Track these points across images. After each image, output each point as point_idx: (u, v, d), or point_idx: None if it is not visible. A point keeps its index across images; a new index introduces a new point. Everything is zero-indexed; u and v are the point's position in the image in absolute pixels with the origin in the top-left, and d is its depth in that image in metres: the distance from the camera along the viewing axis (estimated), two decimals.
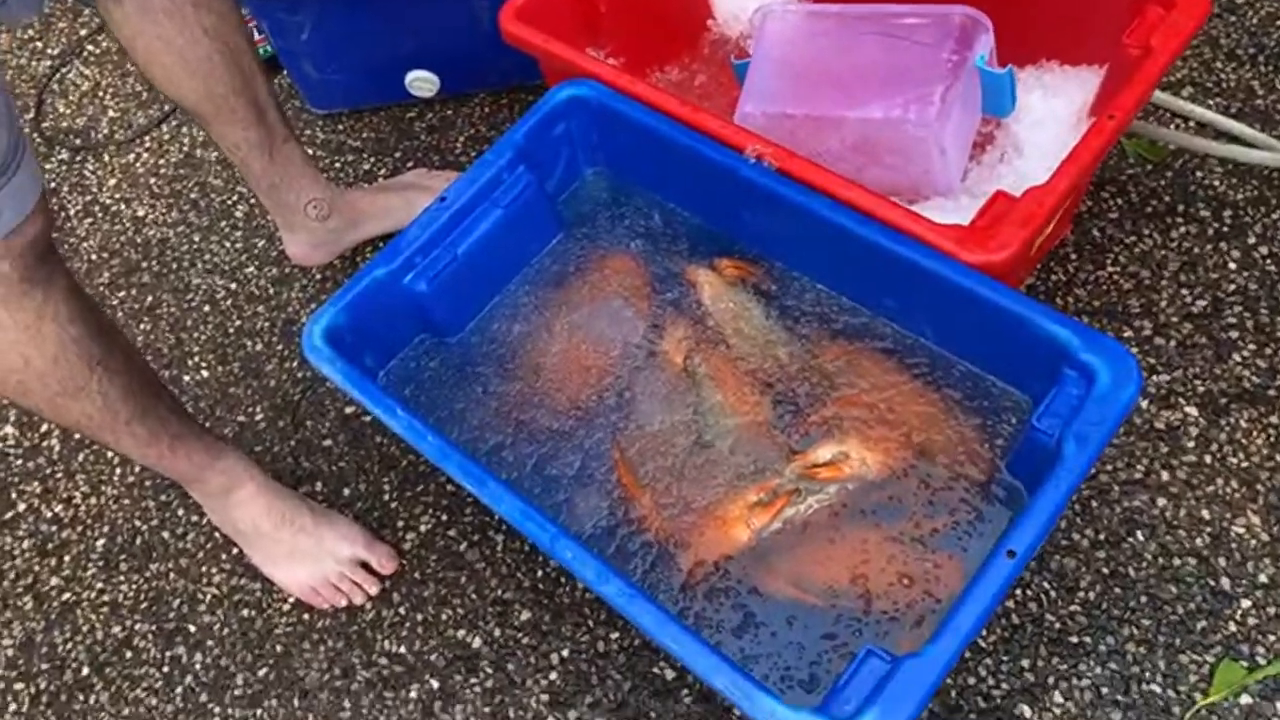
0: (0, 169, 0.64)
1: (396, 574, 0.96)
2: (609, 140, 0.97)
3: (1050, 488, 0.67)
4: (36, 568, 1.02)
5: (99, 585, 1.00)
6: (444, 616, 0.93)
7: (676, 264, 0.95)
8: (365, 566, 0.95)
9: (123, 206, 1.32)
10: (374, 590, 0.94)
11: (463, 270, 0.90)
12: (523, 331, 0.93)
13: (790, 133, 0.98)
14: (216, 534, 1.01)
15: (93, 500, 1.06)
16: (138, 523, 1.04)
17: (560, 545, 0.70)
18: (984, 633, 0.86)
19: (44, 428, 1.12)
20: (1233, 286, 1.02)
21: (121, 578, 1.01)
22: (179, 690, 0.93)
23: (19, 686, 0.95)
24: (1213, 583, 0.86)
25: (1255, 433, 0.93)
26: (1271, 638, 0.83)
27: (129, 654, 0.96)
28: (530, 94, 1.30)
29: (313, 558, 0.93)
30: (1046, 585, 0.88)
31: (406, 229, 0.89)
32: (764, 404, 0.86)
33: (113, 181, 1.35)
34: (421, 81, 1.26)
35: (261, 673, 0.93)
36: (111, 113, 1.43)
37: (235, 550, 1.00)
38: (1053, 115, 1.03)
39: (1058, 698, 0.83)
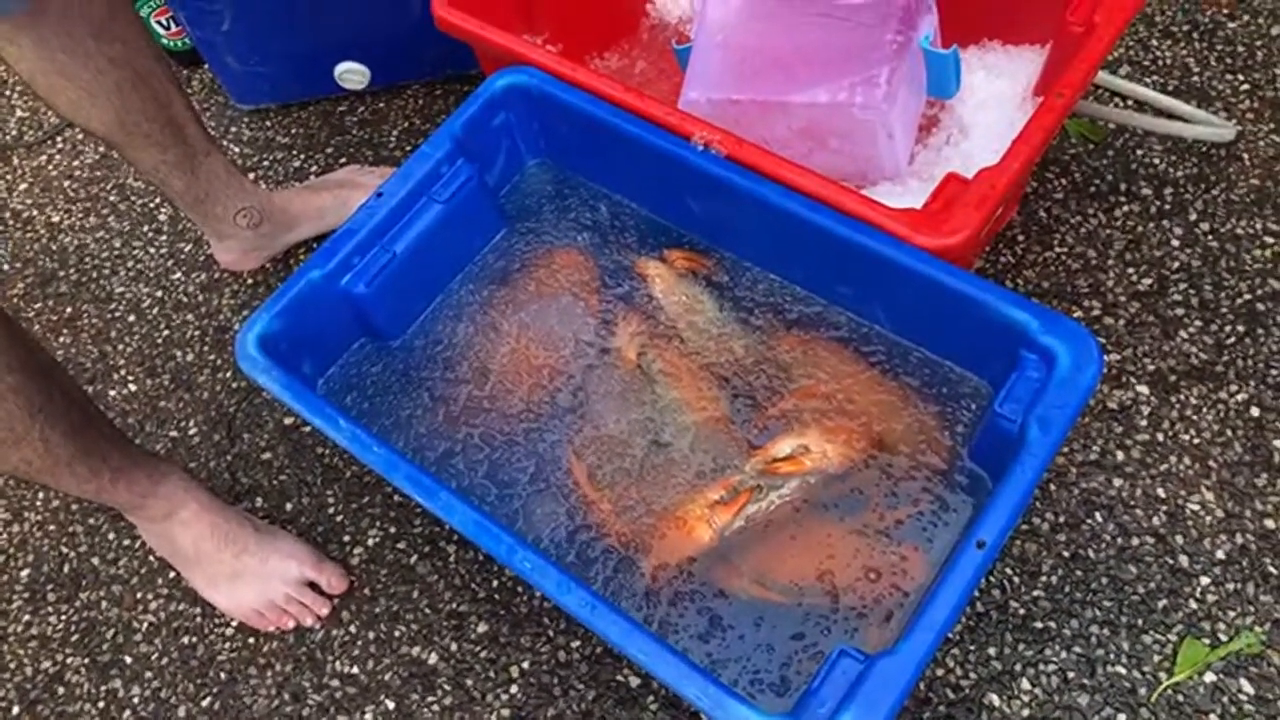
0: None
1: (346, 592, 0.92)
2: (551, 130, 0.94)
3: (1016, 474, 0.66)
4: None
5: (25, 618, 0.94)
6: (397, 633, 0.89)
7: (626, 257, 0.92)
8: (313, 587, 0.91)
9: (35, 212, 1.24)
10: (323, 611, 0.90)
11: (402, 270, 0.86)
12: (468, 332, 0.90)
13: (735, 119, 0.96)
14: (151, 558, 0.96)
15: (15, 528, 1.00)
16: (65, 549, 0.98)
17: (518, 556, 0.67)
18: None
19: None
20: (1176, 264, 1.02)
21: (50, 609, 0.95)
22: None
23: None
24: (1171, 561, 0.86)
25: (1205, 409, 0.93)
26: (1232, 613, 0.83)
27: (61, 690, 0.90)
28: (466, 84, 1.26)
29: (258, 579, 0.89)
30: (1009, 571, 0.87)
31: (342, 228, 0.84)
32: (721, 399, 0.83)
33: (24, 186, 1.27)
34: (351, 73, 1.21)
35: (205, 702, 0.88)
36: (20, 112, 1.35)
37: (172, 574, 0.95)
38: (997, 96, 1.02)
39: (1025, 684, 0.82)
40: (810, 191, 0.81)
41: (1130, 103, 1.13)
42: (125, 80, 0.86)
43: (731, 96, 0.98)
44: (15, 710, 0.89)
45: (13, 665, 0.92)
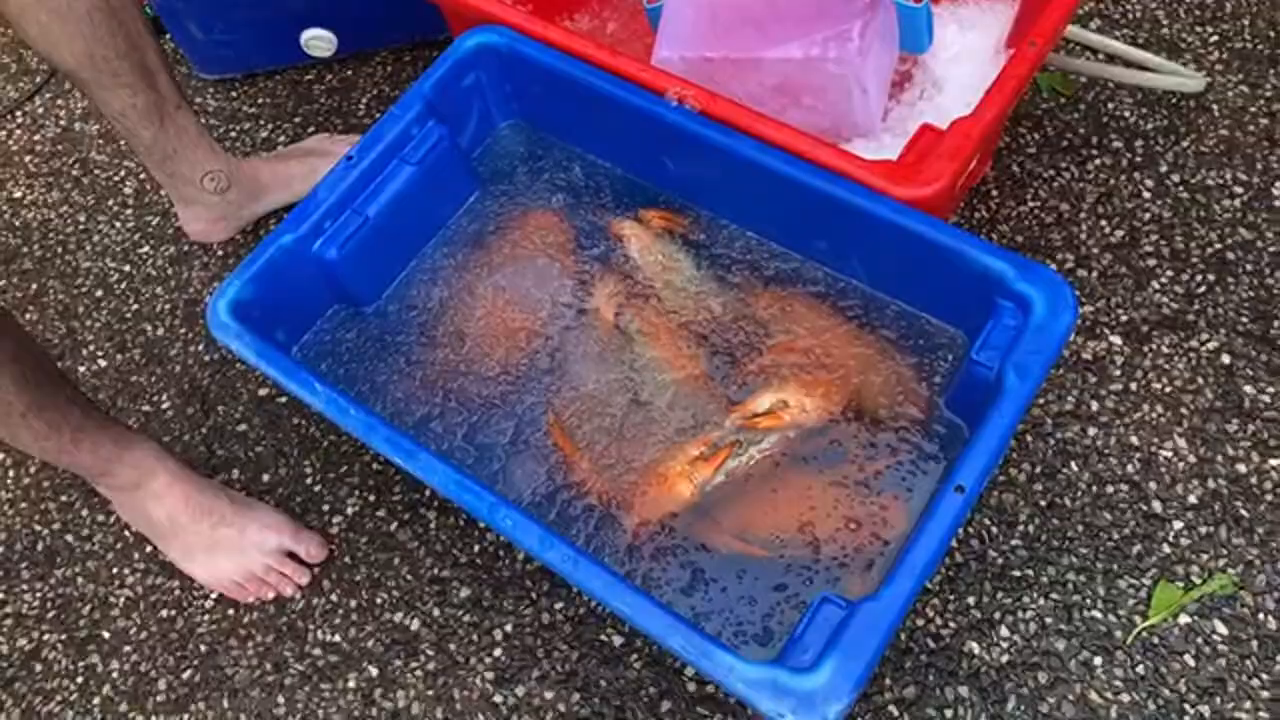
0: None
1: (326, 560, 0.91)
2: (523, 90, 0.93)
3: (994, 419, 0.67)
4: None
5: (0, 596, 0.93)
6: (379, 600, 0.89)
7: (601, 218, 0.91)
8: (293, 556, 0.90)
9: None
10: (304, 580, 0.89)
11: (375, 234, 0.85)
12: (444, 296, 0.89)
13: (709, 76, 0.95)
14: (127, 533, 0.95)
15: None
16: (37, 527, 0.97)
17: (499, 514, 0.67)
18: None
19: None
20: (1148, 215, 1.03)
21: (24, 586, 0.94)
22: (96, 701, 0.87)
23: None
24: (1145, 507, 0.87)
25: (1176, 358, 0.94)
26: (1205, 556, 0.84)
27: (39, 666, 0.89)
28: (435, 50, 1.24)
29: (236, 550, 0.88)
30: (987, 521, 0.88)
31: (313, 191, 0.83)
32: (699, 356, 0.83)
33: None
34: (318, 40, 1.19)
35: (186, 675, 0.87)
36: None
37: (149, 549, 0.94)
38: (969, 50, 1.02)
39: (1004, 631, 0.83)
40: (785, 145, 0.80)
41: (1101, 56, 1.13)
42: (97, 10, 0.84)
43: (704, 54, 0.97)
44: None
45: None
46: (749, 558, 0.74)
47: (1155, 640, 0.82)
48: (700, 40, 0.99)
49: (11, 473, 1.00)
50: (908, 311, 0.83)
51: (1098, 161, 1.07)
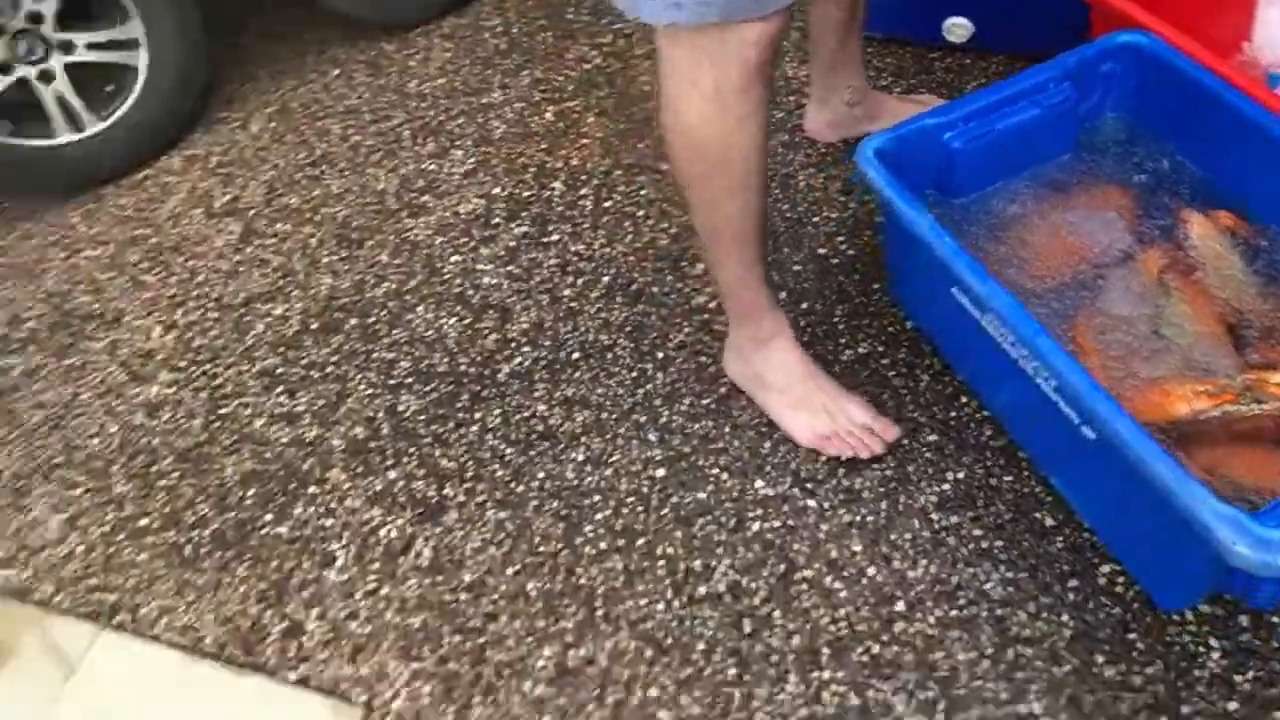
0: None
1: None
2: (1145, 88, 1.10)
3: None
4: (556, 280, 1.32)
5: (598, 305, 1.28)
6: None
7: (1172, 203, 1.06)
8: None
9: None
10: (878, 450, 1.03)
11: (990, 145, 1.07)
12: (1018, 213, 1.09)
13: None
14: (694, 299, 1.25)
15: (607, 250, 1.34)
16: (636, 275, 1.31)
17: (1040, 338, 0.85)
18: None
19: (583, 190, 1.43)
20: None
21: (616, 307, 1.27)
22: (640, 392, 1.17)
23: (526, 350, 1.24)
24: None
25: None
26: None
27: (609, 356, 1.22)
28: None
29: (830, 414, 1.05)
30: None
31: (964, 96, 1.07)
32: (1226, 324, 0.95)
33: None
34: (958, 27, 1.45)
35: (705, 402, 1.15)
36: None
37: (704, 317, 1.23)
38: None
39: None
40: None
41: None
42: None
43: None
44: (575, 355, 1.22)
45: (581, 329, 1.25)
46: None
47: None
48: None
49: (631, 234, 1.35)
50: None
51: None
